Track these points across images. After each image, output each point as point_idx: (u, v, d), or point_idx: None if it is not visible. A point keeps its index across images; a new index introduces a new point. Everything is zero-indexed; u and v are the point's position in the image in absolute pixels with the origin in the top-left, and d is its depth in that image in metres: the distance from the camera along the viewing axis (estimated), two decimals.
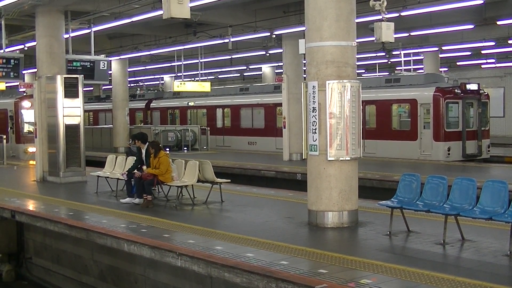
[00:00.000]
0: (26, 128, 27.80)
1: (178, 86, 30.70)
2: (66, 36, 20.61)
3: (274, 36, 26.23)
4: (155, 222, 12.13)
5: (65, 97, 18.72)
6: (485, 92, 26.10)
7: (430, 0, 21.37)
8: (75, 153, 19.06)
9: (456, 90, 24.62)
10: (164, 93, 42.97)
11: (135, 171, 14.66)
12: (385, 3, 13.83)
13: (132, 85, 50.45)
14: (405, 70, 33.45)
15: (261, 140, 31.83)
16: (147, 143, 14.83)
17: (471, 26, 25.93)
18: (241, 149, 32.31)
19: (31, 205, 14.98)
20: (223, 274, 8.65)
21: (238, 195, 15.96)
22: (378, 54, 33.55)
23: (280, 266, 8.43)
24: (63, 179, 18.89)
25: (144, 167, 14.59)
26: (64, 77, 18.84)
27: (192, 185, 14.53)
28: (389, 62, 38.70)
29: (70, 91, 18.76)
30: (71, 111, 18.89)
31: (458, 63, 41.93)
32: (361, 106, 11.47)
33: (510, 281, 7.61)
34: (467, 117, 24.85)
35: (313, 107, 11.24)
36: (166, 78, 48.62)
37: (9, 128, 28.43)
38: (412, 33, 27.38)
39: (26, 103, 27.53)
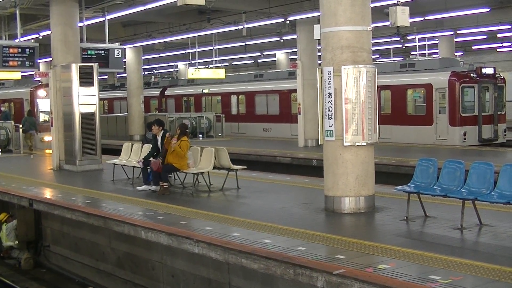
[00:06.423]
0: (42, 117, 27.90)
1: (193, 73, 30.72)
2: (80, 24, 20.64)
3: (288, 22, 26.13)
4: (171, 209, 12.17)
5: (80, 85, 18.83)
6: (501, 76, 25.88)
7: None
8: (91, 142, 19.17)
9: (471, 74, 24.45)
10: (179, 80, 42.98)
11: (151, 158, 14.69)
12: None
13: (146, 73, 50.56)
14: (420, 54, 33.24)
15: (276, 126, 31.79)
16: (163, 130, 14.87)
17: (487, 10, 25.73)
18: (256, 136, 32.31)
19: (48, 194, 15.08)
20: (240, 260, 8.67)
21: (254, 181, 15.96)
22: (392, 39, 33.35)
23: (298, 252, 8.44)
24: (79, 167, 19.00)
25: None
26: (79, 66, 18.93)
27: (208, 172, 14.55)
28: (404, 47, 38.49)
29: (85, 79, 18.87)
30: (86, 99, 19.00)
31: (473, 47, 41.61)
32: (376, 91, 11.43)
33: None
34: (483, 101, 24.66)
35: (329, 93, 11.20)
36: (181, 65, 48.62)
37: None
38: (427, 17, 27.16)
39: (41, 92, 27.60)
